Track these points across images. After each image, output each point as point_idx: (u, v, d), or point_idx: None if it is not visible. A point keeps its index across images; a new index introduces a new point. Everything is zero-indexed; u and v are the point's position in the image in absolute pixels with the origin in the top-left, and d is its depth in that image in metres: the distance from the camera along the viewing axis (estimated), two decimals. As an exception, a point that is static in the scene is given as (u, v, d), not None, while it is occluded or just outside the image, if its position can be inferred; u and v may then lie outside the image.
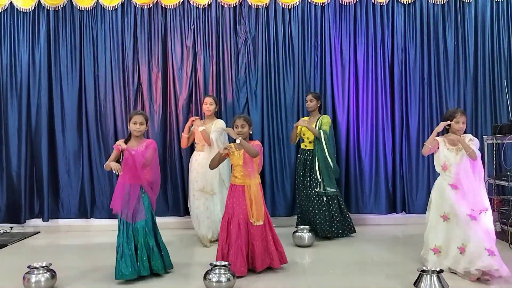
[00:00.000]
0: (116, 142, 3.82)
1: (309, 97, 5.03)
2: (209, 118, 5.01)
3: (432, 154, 3.88)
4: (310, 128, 4.90)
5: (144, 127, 3.85)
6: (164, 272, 3.82)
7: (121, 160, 3.79)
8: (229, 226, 3.78)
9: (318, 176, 4.89)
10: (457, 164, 3.69)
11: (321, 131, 4.89)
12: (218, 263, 3.48)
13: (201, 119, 5.15)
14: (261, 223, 3.78)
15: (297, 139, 5.18)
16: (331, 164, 4.91)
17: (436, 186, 3.88)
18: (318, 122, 4.95)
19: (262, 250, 3.77)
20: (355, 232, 5.05)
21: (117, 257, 3.63)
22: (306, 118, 5.15)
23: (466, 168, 3.69)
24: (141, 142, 3.85)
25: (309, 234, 4.67)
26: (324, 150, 4.88)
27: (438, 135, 3.82)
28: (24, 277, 3.44)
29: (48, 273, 3.49)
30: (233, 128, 3.88)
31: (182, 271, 3.96)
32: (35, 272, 3.44)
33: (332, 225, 4.89)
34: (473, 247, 3.52)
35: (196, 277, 3.75)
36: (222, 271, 3.37)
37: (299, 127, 5.05)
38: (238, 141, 3.75)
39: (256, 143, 3.89)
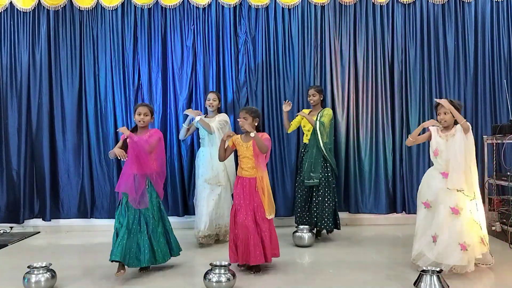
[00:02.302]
0: (119, 128, 3.91)
1: (312, 91, 4.97)
2: (213, 113, 4.98)
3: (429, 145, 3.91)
4: (308, 118, 4.84)
5: (148, 118, 3.91)
6: (169, 258, 3.91)
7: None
8: (236, 217, 3.80)
9: (305, 167, 4.81)
10: (447, 151, 3.71)
11: (318, 122, 4.82)
12: (218, 263, 3.47)
13: (205, 114, 5.10)
14: (273, 216, 3.84)
15: (292, 128, 5.11)
16: (327, 156, 4.81)
17: (426, 174, 3.94)
18: (318, 115, 4.90)
19: (256, 243, 3.73)
20: (339, 229, 4.96)
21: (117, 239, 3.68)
22: (306, 110, 5.10)
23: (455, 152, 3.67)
24: (145, 133, 3.91)
25: (309, 234, 4.67)
26: (319, 141, 4.78)
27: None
28: (24, 277, 3.44)
29: (48, 273, 3.49)
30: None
31: (182, 271, 3.96)
32: (35, 272, 3.44)
33: (324, 218, 4.84)
34: (446, 240, 3.55)
35: (196, 277, 3.76)
36: (222, 271, 3.37)
37: (300, 118, 5.03)
38: (252, 134, 3.77)
39: (265, 136, 3.88)
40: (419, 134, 3.91)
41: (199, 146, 5.17)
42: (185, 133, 5.09)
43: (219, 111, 5.06)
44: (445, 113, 3.72)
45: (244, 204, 3.79)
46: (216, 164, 4.70)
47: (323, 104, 5.10)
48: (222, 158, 4.02)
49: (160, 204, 3.97)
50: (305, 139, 5.05)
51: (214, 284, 3.32)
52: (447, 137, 3.73)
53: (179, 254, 4.04)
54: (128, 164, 3.79)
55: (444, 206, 3.63)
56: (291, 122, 5.11)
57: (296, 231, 4.72)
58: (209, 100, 4.95)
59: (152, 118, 3.97)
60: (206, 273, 3.40)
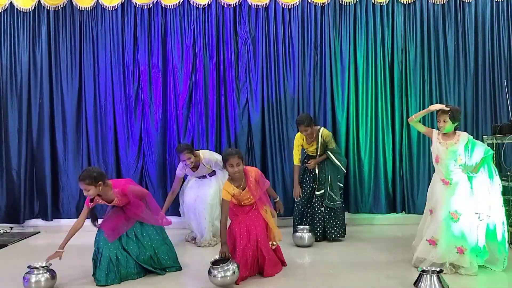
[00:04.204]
0: (89, 205, 3.69)
1: (302, 128, 4.64)
2: (197, 165, 4.77)
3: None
4: (319, 160, 4.81)
5: (92, 191, 3.51)
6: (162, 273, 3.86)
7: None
8: (235, 234, 3.67)
9: (330, 191, 4.79)
10: (447, 159, 3.71)
11: (329, 152, 4.78)
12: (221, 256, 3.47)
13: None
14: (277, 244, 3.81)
15: (299, 156, 4.92)
16: (343, 169, 4.87)
17: (432, 180, 3.95)
18: (319, 140, 4.76)
19: (273, 257, 3.76)
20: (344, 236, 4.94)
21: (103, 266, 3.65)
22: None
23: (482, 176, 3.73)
24: (111, 195, 3.64)
25: (309, 234, 4.67)
26: (336, 165, 4.81)
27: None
28: (24, 277, 3.44)
29: (48, 273, 3.49)
30: (225, 166, 3.66)
31: (182, 270, 3.95)
32: (35, 272, 3.44)
33: (331, 227, 4.85)
34: (445, 245, 3.58)
35: (196, 276, 3.77)
36: (227, 264, 3.37)
37: (299, 144, 4.87)
38: (277, 198, 3.92)
39: (259, 176, 3.78)
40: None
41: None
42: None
43: (198, 157, 4.77)
44: (444, 121, 3.72)
45: (245, 225, 3.67)
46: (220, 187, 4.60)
47: (316, 122, 4.89)
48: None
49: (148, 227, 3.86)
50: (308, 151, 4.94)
51: (218, 279, 3.33)
52: (447, 145, 3.73)
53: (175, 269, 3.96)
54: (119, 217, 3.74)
55: (443, 210, 3.64)
56: (294, 153, 4.91)
57: (296, 231, 4.72)
58: (184, 161, 4.63)
59: (99, 185, 3.50)
60: (211, 268, 3.39)
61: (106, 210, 3.90)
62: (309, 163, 4.84)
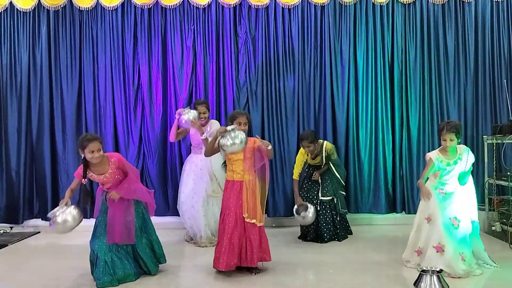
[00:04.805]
0: (80, 181, 3.65)
1: (305, 143, 4.70)
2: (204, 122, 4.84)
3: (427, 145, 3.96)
4: (322, 171, 4.88)
5: (101, 152, 3.50)
6: (156, 269, 3.83)
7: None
8: (225, 221, 3.72)
9: (335, 200, 4.86)
10: (450, 174, 3.74)
11: (331, 164, 4.88)
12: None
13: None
14: (256, 222, 3.70)
15: (299, 170, 4.88)
16: (342, 182, 4.98)
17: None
18: (323, 154, 4.84)
19: (258, 245, 3.73)
20: (349, 235, 5.06)
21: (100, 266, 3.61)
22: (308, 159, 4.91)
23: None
24: (105, 166, 3.58)
25: (312, 209, 4.58)
26: (337, 177, 4.92)
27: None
28: (50, 223, 3.44)
29: (73, 206, 3.51)
30: (231, 124, 3.77)
31: (181, 270, 3.96)
32: (61, 210, 3.44)
33: (336, 229, 4.88)
34: (451, 251, 3.59)
35: (195, 276, 3.76)
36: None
37: (302, 158, 4.87)
38: (270, 147, 3.80)
39: (259, 143, 3.81)
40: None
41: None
42: (174, 137, 4.89)
43: (208, 119, 4.91)
44: (451, 140, 3.70)
45: (233, 208, 3.70)
46: (218, 176, 4.67)
47: (318, 137, 4.88)
48: (208, 154, 3.88)
49: (144, 214, 3.84)
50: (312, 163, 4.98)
51: (229, 147, 3.54)
52: (452, 162, 3.74)
53: (164, 261, 3.93)
54: (115, 212, 3.68)
55: (443, 216, 3.67)
56: (295, 167, 4.89)
57: (298, 213, 4.60)
58: (199, 113, 4.70)
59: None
60: (222, 142, 3.55)
61: (98, 211, 3.87)
62: (315, 175, 4.90)
